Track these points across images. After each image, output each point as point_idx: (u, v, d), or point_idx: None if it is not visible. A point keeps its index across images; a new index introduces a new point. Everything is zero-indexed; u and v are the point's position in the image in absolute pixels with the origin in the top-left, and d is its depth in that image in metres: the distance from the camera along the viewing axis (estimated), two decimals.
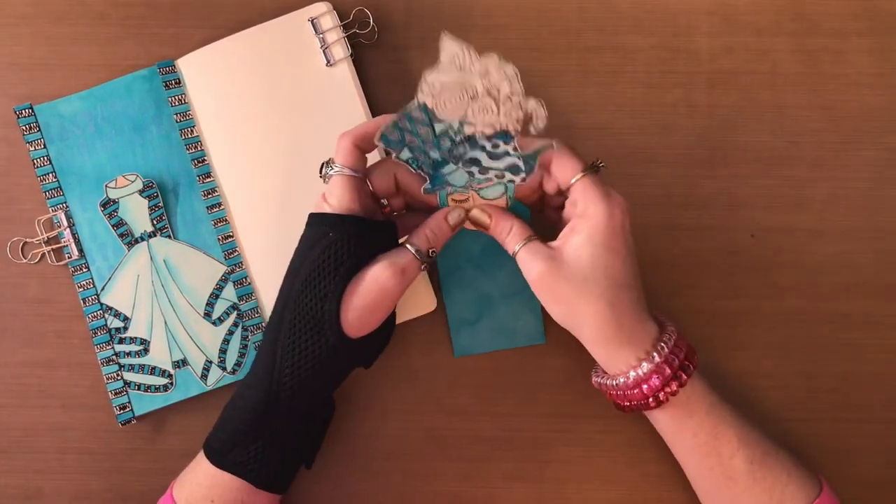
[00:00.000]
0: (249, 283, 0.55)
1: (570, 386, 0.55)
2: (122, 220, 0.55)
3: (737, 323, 0.55)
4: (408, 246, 0.47)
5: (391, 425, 0.55)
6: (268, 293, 0.55)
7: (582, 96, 0.57)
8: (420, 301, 0.54)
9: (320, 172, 0.48)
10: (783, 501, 0.47)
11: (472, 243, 0.55)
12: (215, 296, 0.54)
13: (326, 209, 0.47)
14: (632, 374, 0.46)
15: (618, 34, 0.57)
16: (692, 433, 0.48)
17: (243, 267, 0.55)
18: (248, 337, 0.54)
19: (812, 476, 0.49)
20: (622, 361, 0.47)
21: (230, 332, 0.54)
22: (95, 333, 0.54)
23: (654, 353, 0.46)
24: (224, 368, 0.54)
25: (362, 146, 0.47)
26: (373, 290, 0.45)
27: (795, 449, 0.54)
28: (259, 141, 0.55)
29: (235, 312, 0.54)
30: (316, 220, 0.47)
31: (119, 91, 0.56)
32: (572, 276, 0.46)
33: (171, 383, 0.54)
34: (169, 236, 0.55)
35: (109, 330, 0.54)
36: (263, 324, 0.54)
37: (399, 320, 0.54)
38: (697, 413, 0.47)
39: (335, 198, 0.46)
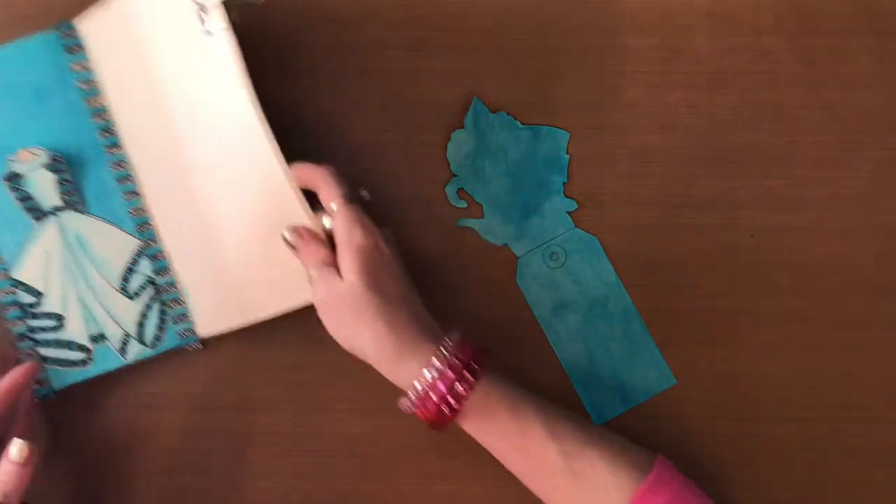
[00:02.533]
0: (165, 258, 0.53)
1: (570, 385, 0.55)
2: (28, 194, 0.53)
3: (737, 323, 0.55)
4: None
5: (391, 425, 0.55)
6: (184, 267, 0.53)
7: (582, 96, 0.57)
8: (300, 289, 0.51)
9: None
10: (607, 492, 0.46)
11: (578, 296, 0.55)
12: (130, 270, 0.53)
13: None
14: (417, 384, 0.47)
15: (618, 34, 0.57)
16: (499, 435, 0.48)
17: (157, 241, 0.53)
18: (166, 311, 0.53)
19: (646, 459, 0.47)
20: (409, 374, 0.47)
21: (148, 307, 0.53)
22: (7, 309, 0.53)
23: (435, 359, 0.46)
24: (143, 343, 0.53)
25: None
26: None
27: (795, 449, 0.54)
28: (164, 109, 0.53)
29: (152, 287, 0.53)
30: None
31: (16, 57, 0.53)
32: (349, 302, 0.48)
33: (90, 358, 0.53)
34: (79, 210, 0.53)
35: (22, 306, 0.53)
36: (181, 298, 0.53)
37: (281, 309, 0.52)
38: (498, 412, 0.47)
39: None
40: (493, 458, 0.54)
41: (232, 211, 0.53)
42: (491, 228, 0.56)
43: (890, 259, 0.56)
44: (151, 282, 0.53)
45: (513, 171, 0.56)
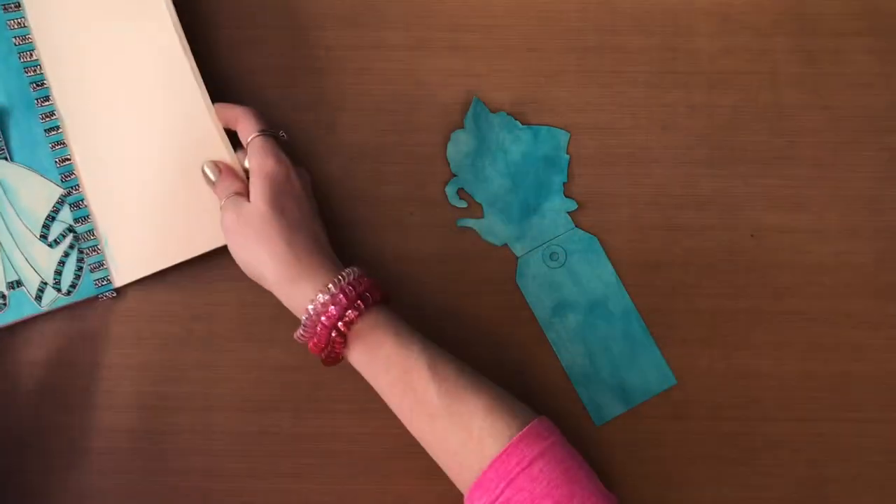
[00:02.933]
0: (86, 206, 0.55)
1: (570, 385, 0.55)
2: None
3: (737, 323, 0.55)
4: None
5: (391, 425, 0.55)
6: (103, 215, 0.55)
7: (582, 96, 0.57)
8: (216, 231, 0.53)
9: None
10: (482, 437, 0.45)
11: (578, 296, 0.55)
12: (51, 218, 0.55)
13: None
14: (310, 307, 0.47)
15: (618, 34, 0.57)
16: (384, 368, 0.48)
17: (80, 190, 0.55)
18: (83, 259, 0.55)
19: (527, 413, 0.47)
20: (303, 297, 0.48)
21: (66, 254, 0.54)
22: None
23: (331, 285, 0.47)
24: (59, 290, 0.54)
25: None
26: None
27: (795, 449, 0.54)
28: (97, 63, 0.55)
29: (71, 234, 0.55)
30: None
31: None
32: (253, 223, 0.49)
33: (5, 304, 0.54)
34: (5, 158, 0.55)
35: None
36: (99, 246, 0.55)
37: (197, 251, 0.54)
38: (385, 344, 0.48)
39: None
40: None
41: (156, 154, 0.55)
42: (491, 228, 0.56)
43: (890, 259, 0.56)
44: (71, 230, 0.55)
45: (513, 171, 0.56)
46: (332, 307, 0.47)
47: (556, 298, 0.55)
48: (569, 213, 0.56)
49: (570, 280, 0.55)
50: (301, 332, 0.48)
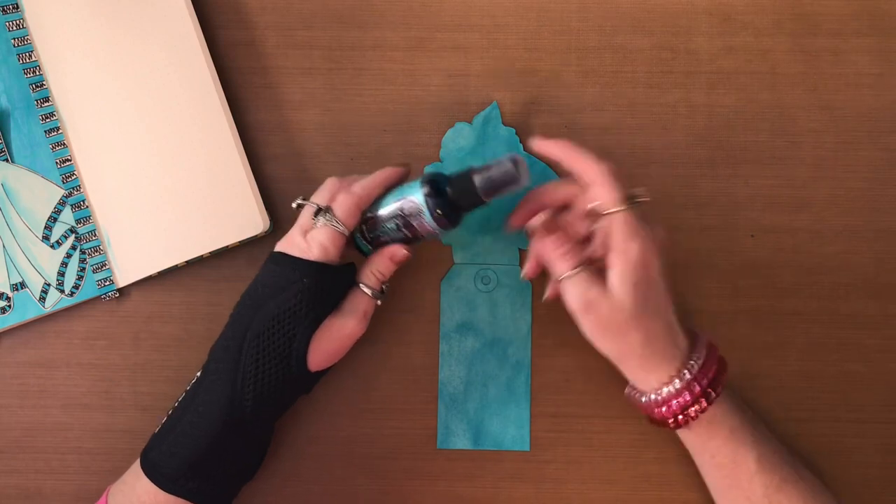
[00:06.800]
0: (87, 207, 0.55)
1: (570, 386, 0.55)
2: None
3: (737, 323, 0.55)
4: (364, 289, 0.50)
5: (391, 425, 0.55)
6: (105, 216, 0.55)
7: (582, 96, 0.57)
8: (247, 221, 0.55)
9: (314, 214, 0.49)
10: None
11: (486, 326, 0.55)
12: (53, 219, 0.55)
13: (306, 256, 0.48)
14: (653, 395, 0.47)
15: (618, 34, 0.57)
16: (711, 455, 0.49)
17: (81, 190, 0.55)
18: (85, 259, 0.55)
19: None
20: (646, 385, 0.48)
21: (68, 255, 0.55)
22: None
23: (677, 380, 0.47)
24: (62, 291, 0.54)
25: (363, 207, 0.49)
26: (340, 337, 0.49)
27: (795, 449, 0.54)
28: (97, 64, 0.55)
29: (73, 235, 0.55)
30: (290, 263, 0.48)
31: None
32: (617, 312, 0.46)
33: (9, 306, 0.54)
34: (6, 160, 0.55)
35: None
36: (101, 246, 0.55)
37: (226, 242, 0.54)
38: (719, 436, 0.48)
39: (320, 248, 0.48)
40: (493, 458, 0.54)
41: (158, 153, 0.55)
42: None
43: (890, 259, 0.56)
44: (73, 230, 0.55)
45: None
46: (676, 402, 0.47)
47: (467, 317, 0.55)
48: (520, 249, 0.56)
49: (488, 309, 0.55)
50: (638, 400, 0.49)
